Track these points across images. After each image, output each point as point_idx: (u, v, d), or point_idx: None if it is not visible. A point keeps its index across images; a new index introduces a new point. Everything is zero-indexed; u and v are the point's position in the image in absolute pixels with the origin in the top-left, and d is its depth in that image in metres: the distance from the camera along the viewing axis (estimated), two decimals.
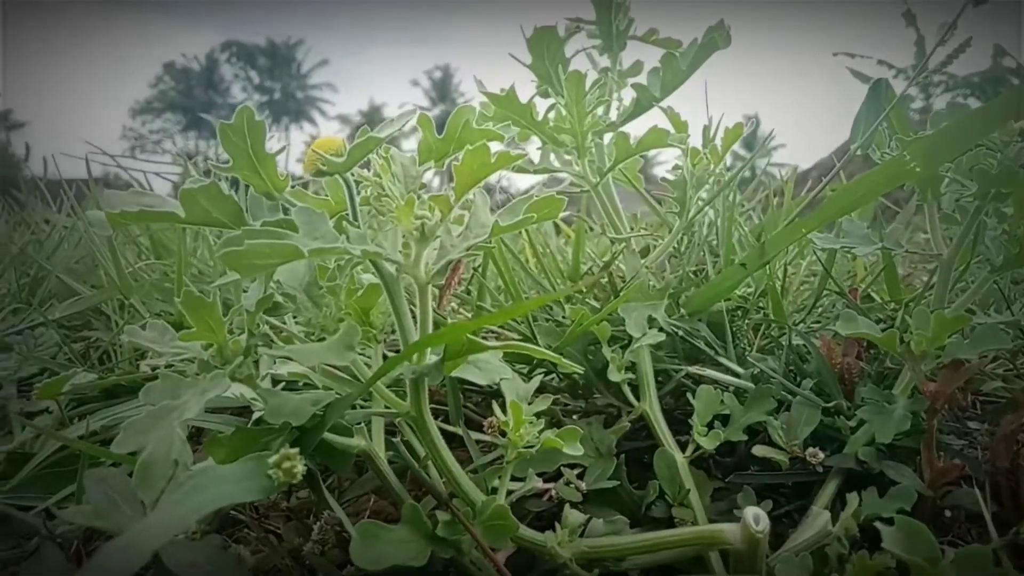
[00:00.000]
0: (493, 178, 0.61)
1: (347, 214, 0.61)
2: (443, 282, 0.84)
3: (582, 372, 0.60)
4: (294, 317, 0.75)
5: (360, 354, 0.64)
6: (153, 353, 0.62)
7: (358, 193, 0.61)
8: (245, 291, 0.65)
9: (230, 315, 0.60)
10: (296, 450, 0.48)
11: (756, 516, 0.61)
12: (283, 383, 0.70)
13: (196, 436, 0.87)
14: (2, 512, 0.74)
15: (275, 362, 0.68)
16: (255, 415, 0.71)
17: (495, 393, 0.94)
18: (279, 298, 0.61)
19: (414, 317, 0.60)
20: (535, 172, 0.92)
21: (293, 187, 0.61)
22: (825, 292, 0.96)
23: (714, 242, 1.10)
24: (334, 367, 0.61)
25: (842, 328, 0.76)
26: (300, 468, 0.47)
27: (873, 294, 1.03)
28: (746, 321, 0.96)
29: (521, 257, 1.11)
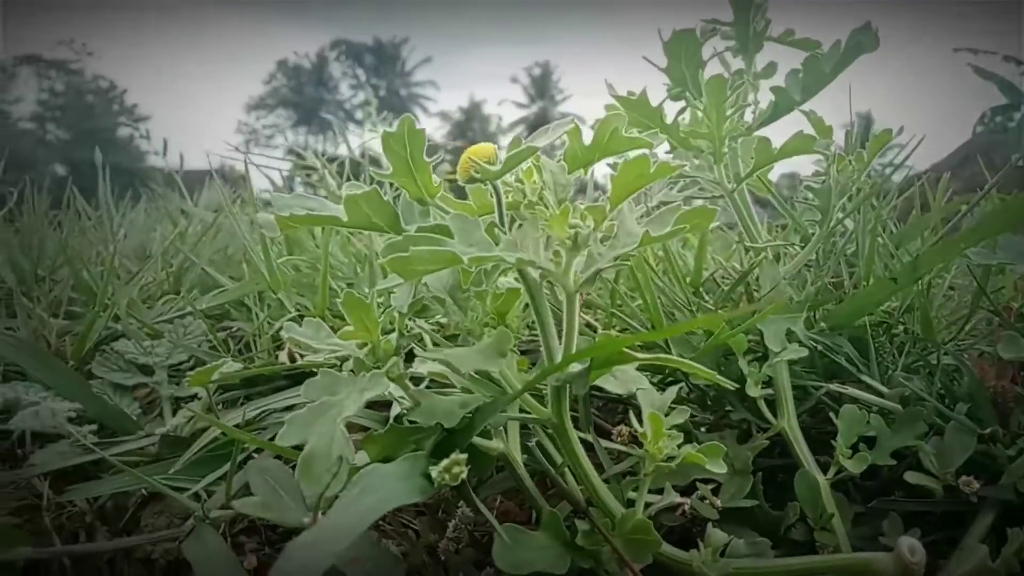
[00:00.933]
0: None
1: (495, 220, 0.62)
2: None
3: (731, 388, 0.58)
4: (427, 319, 0.77)
5: None
6: (306, 348, 0.64)
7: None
8: (391, 293, 0.67)
9: (382, 316, 0.62)
10: (464, 456, 0.49)
11: (912, 547, 0.58)
12: (424, 382, 0.72)
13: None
14: (158, 491, 0.79)
15: (414, 361, 0.70)
16: (394, 410, 0.73)
17: (621, 399, 0.94)
18: (427, 301, 0.63)
19: (556, 325, 0.61)
20: (680, 170, 0.91)
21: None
22: (980, 310, 0.90)
23: (851, 250, 1.05)
24: (480, 372, 0.62)
25: (1004, 351, 0.71)
26: (464, 472, 0.48)
27: None
28: (889, 337, 0.91)
29: (643, 258, 1.09)
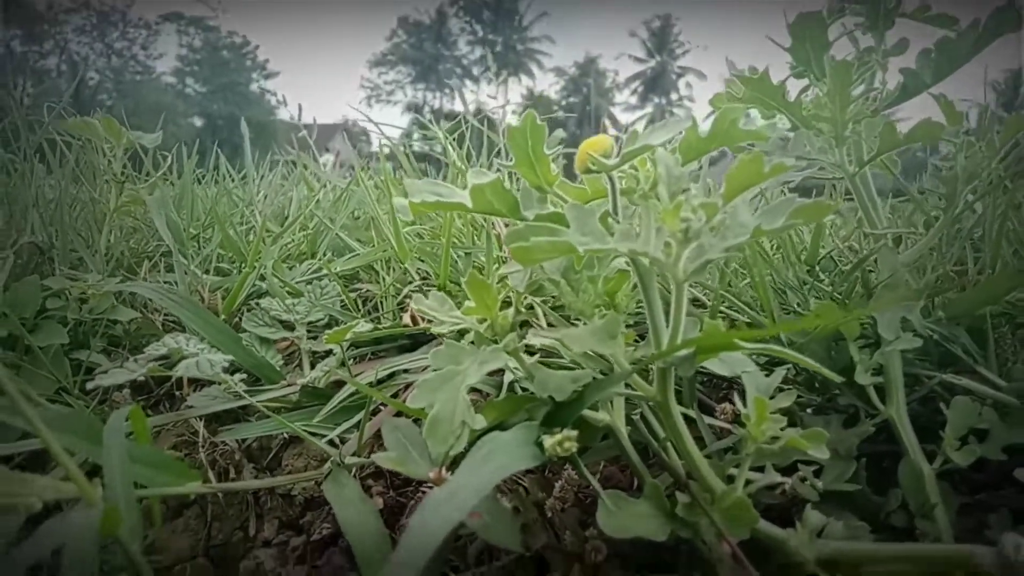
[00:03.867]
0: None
1: (608, 208, 0.65)
2: None
3: (837, 380, 0.59)
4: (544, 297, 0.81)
5: None
6: (426, 315, 0.71)
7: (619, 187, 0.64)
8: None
9: (501, 293, 0.67)
10: (575, 432, 0.54)
11: (1017, 544, 0.58)
12: (537, 354, 0.77)
13: None
14: (300, 436, 0.89)
15: (527, 334, 0.75)
16: (507, 377, 0.79)
17: (726, 377, 0.96)
18: (544, 282, 0.68)
19: (668, 311, 0.64)
20: (795, 168, 0.90)
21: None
22: None
23: (977, 233, 1.01)
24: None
25: None
26: (575, 447, 0.53)
27: None
28: (1012, 328, 0.88)
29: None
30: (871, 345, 0.82)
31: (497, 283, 0.68)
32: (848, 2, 0.90)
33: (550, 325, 0.93)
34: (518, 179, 0.68)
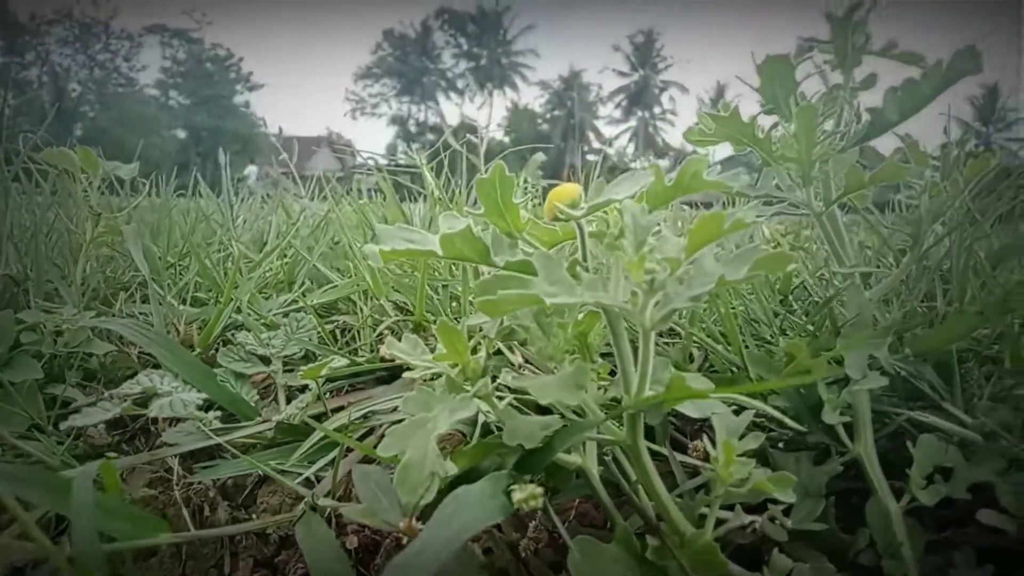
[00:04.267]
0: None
1: (578, 256, 0.66)
2: None
3: (802, 430, 0.61)
4: (522, 344, 0.82)
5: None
6: (398, 359, 0.71)
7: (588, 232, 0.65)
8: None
9: (472, 341, 0.68)
10: (541, 490, 0.55)
11: None
12: (508, 398, 0.78)
13: None
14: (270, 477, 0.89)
15: (500, 378, 0.75)
16: (480, 420, 0.79)
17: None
18: (515, 327, 0.68)
19: (636, 357, 0.65)
20: (755, 197, 0.92)
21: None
22: None
23: (946, 266, 1.03)
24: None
25: None
26: (542, 502, 0.54)
27: None
28: (978, 364, 0.90)
29: None
30: (840, 383, 0.83)
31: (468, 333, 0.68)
32: (816, 41, 0.92)
33: (526, 361, 0.94)
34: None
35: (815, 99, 0.95)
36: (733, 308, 0.97)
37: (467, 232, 0.63)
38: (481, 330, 0.72)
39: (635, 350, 0.65)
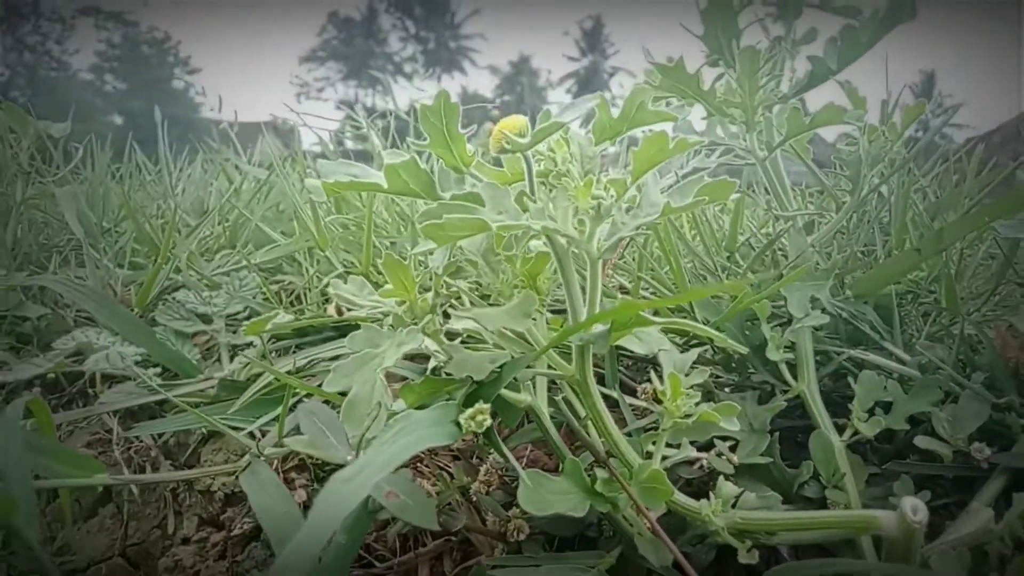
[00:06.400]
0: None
1: (525, 188, 0.65)
2: None
3: (743, 352, 0.61)
4: (465, 279, 0.81)
5: None
6: (344, 301, 0.70)
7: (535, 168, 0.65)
8: (430, 255, 0.72)
9: (420, 276, 0.66)
10: (488, 406, 0.54)
11: (914, 506, 0.61)
12: (460, 338, 0.77)
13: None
14: (217, 430, 0.86)
15: (450, 318, 0.74)
16: (431, 363, 0.78)
17: (649, 359, 0.98)
18: (462, 263, 0.68)
19: (582, 288, 0.64)
20: (700, 145, 0.93)
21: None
22: (1005, 281, 0.91)
23: (885, 219, 1.06)
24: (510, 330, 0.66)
25: (1020, 322, 0.73)
26: (489, 421, 0.53)
27: None
28: (916, 306, 0.92)
29: (676, 223, 1.12)
30: (784, 324, 0.85)
31: (419, 269, 0.67)
32: None
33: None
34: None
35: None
36: (681, 259, 0.98)
37: (412, 164, 0.62)
38: (425, 265, 0.71)
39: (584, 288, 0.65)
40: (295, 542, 0.36)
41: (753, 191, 1.31)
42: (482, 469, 0.77)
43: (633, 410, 0.85)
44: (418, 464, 0.83)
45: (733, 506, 0.66)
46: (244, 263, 1.10)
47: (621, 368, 0.94)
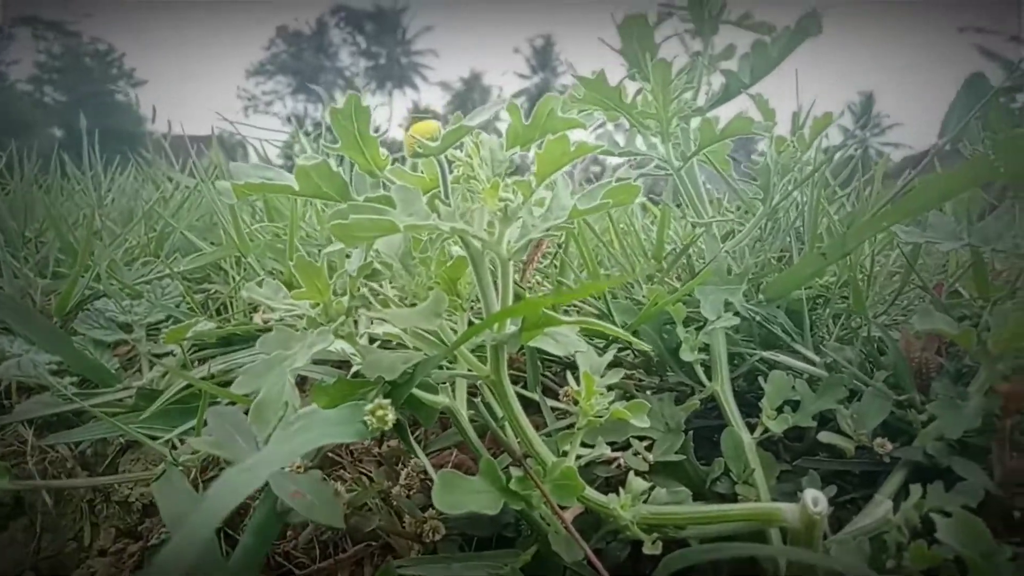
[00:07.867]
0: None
1: (439, 192, 0.66)
2: (526, 258, 0.89)
3: (652, 351, 0.63)
4: (389, 283, 0.82)
5: (448, 321, 0.71)
6: (266, 308, 0.70)
7: (451, 172, 0.66)
8: (348, 257, 0.72)
9: (335, 278, 0.67)
10: (388, 401, 0.55)
11: (815, 498, 0.63)
12: (379, 342, 0.77)
13: (301, 383, 0.96)
14: (135, 440, 0.85)
15: (372, 322, 0.75)
16: (353, 368, 0.79)
17: (573, 365, 1.00)
18: (378, 266, 0.68)
19: (497, 289, 0.66)
20: (620, 154, 0.95)
21: (393, 160, 0.67)
22: (911, 286, 0.96)
23: (801, 228, 1.10)
24: (423, 330, 0.67)
25: (918, 323, 0.76)
26: (391, 417, 0.54)
27: (962, 290, 1.00)
28: (828, 311, 0.96)
29: (605, 237, 1.14)
30: (700, 328, 0.87)
31: (333, 272, 0.67)
32: (674, 8, 0.97)
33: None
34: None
35: (677, 64, 0.99)
36: (608, 268, 1.01)
37: (324, 166, 0.62)
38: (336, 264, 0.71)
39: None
40: (186, 527, 0.36)
41: (681, 204, 1.35)
42: (403, 473, 0.77)
43: (556, 413, 0.86)
44: (338, 469, 0.82)
45: (645, 501, 0.68)
46: (167, 272, 1.08)
47: (547, 373, 0.96)
